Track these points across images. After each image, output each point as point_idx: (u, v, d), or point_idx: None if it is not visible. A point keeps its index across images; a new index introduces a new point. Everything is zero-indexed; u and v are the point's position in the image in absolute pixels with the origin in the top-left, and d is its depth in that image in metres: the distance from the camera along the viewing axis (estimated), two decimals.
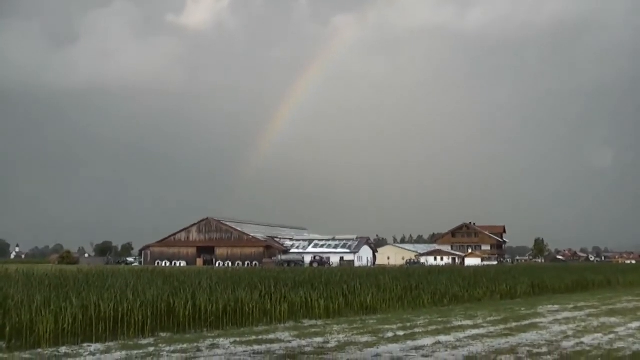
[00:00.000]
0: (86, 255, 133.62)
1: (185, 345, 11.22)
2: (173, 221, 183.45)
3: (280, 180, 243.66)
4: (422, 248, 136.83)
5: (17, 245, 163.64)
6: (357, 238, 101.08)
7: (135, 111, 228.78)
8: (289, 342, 11.77)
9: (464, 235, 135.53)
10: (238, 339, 12.02)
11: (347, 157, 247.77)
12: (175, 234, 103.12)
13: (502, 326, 14.19)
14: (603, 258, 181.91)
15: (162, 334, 13.29)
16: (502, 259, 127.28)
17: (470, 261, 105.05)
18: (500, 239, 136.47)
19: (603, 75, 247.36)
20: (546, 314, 17.16)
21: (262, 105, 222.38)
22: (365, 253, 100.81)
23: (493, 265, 74.76)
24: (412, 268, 46.72)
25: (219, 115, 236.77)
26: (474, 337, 12.31)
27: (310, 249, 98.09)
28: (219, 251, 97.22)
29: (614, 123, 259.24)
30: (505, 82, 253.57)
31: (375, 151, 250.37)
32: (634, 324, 14.64)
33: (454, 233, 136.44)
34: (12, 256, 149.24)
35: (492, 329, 13.74)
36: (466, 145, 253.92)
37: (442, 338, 12.16)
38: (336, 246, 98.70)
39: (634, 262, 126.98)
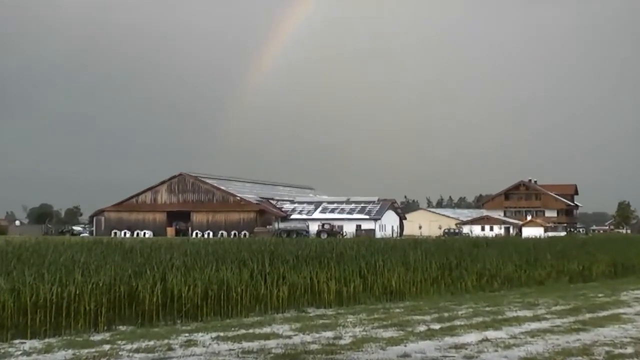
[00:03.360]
0: (17, 222, 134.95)
1: (152, 343, 11.37)
2: (136, 177, 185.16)
3: (278, 125, 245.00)
4: (465, 214, 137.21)
5: None
6: (378, 200, 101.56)
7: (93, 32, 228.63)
8: (289, 337, 11.89)
9: (521, 197, 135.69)
10: (222, 334, 12.17)
11: (365, 94, 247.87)
12: (138, 195, 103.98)
13: (571, 318, 14.27)
14: None
15: (122, 328, 13.47)
16: (572, 229, 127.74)
17: (529, 231, 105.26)
18: (570, 203, 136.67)
19: None
20: (632, 303, 17.25)
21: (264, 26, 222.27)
22: (390, 220, 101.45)
23: (560, 236, 75.01)
24: (452, 240, 46.90)
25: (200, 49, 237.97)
26: (533, 333, 12.38)
27: (317, 214, 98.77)
28: (196, 217, 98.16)
29: None
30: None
31: (401, 86, 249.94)
32: None
33: (507, 194, 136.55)
34: None
35: (558, 321, 13.83)
36: (520, 71, 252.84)
37: (491, 334, 12.24)
38: (351, 211, 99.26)
39: None
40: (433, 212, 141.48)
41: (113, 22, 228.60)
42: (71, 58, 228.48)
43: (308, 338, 11.80)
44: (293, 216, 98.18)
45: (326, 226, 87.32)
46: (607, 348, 11.00)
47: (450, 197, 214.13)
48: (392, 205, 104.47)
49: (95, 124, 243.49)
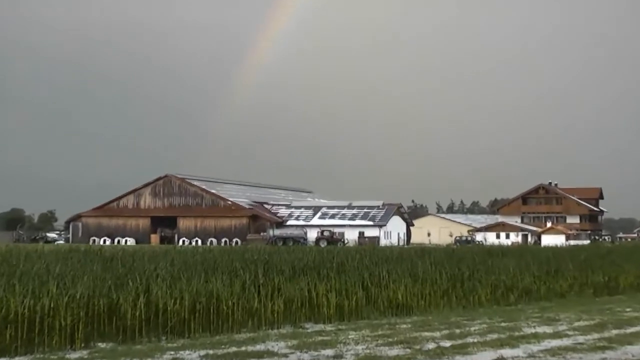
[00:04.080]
0: None
1: None
2: (117, 179, 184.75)
3: (272, 122, 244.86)
4: (479, 220, 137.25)
5: None
6: (383, 205, 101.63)
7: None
8: (285, 355, 11.90)
9: (540, 201, 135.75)
10: (211, 352, 12.17)
11: (368, 90, 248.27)
12: (119, 199, 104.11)
13: (596, 335, 14.28)
14: None
15: (101, 345, 13.48)
16: (597, 237, 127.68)
17: (549, 239, 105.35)
18: (594, 208, 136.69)
19: None
20: None
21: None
22: (396, 226, 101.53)
23: (583, 245, 75.00)
24: (464, 249, 46.97)
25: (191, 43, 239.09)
26: (554, 352, 12.39)
27: (316, 220, 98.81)
28: (183, 223, 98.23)
29: None
30: None
31: (407, 80, 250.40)
32: None
33: (525, 199, 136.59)
34: None
35: (581, 338, 13.83)
36: (540, 66, 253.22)
37: (507, 352, 12.25)
38: (353, 217, 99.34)
39: None
40: (443, 217, 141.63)
41: (97, 15, 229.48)
42: (47, 50, 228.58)
43: (306, 356, 11.82)
44: (289, 222, 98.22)
45: (326, 233, 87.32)
46: None
47: (462, 201, 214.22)
48: (398, 211, 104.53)
49: (71, 120, 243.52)
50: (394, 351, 12.30)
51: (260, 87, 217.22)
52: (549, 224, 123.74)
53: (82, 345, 13.26)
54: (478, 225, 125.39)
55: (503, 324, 15.73)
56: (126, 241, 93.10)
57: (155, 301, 14.90)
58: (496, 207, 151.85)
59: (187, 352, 12.20)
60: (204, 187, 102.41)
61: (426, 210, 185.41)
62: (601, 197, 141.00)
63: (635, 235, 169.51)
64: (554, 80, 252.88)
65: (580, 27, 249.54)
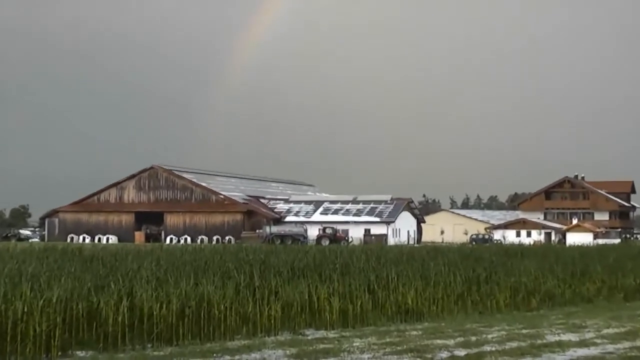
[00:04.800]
0: None
1: None
2: (98, 170, 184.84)
3: (269, 109, 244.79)
4: (497, 216, 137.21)
5: None
6: (392, 200, 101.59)
7: None
8: None
9: (565, 196, 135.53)
10: None
11: (373, 74, 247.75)
12: (100, 192, 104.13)
13: (627, 344, 14.27)
14: None
15: (80, 353, 13.48)
16: (628, 235, 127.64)
17: (575, 238, 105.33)
18: (625, 203, 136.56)
19: None
20: None
21: None
22: (406, 223, 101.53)
23: (613, 244, 74.95)
24: (481, 248, 46.92)
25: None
26: None
27: (317, 216, 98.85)
28: (170, 219, 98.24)
29: None
30: None
31: (416, 63, 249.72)
32: None
33: (548, 193, 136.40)
34: None
35: (610, 347, 13.83)
36: (563, 49, 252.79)
37: None
38: (359, 212, 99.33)
39: None
40: (458, 213, 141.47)
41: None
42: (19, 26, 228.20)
43: None
44: (288, 218, 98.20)
45: (328, 230, 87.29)
46: None
47: (478, 195, 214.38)
48: (408, 206, 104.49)
49: (47, 106, 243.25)
50: None
51: (256, 70, 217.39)
52: (574, 221, 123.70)
53: (59, 353, 13.26)
54: (496, 222, 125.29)
55: (524, 331, 15.74)
56: (108, 239, 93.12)
57: (139, 305, 14.90)
58: (516, 202, 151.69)
59: None
60: (193, 179, 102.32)
61: (439, 205, 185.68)
62: (633, 191, 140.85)
63: None
64: (582, 66, 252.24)
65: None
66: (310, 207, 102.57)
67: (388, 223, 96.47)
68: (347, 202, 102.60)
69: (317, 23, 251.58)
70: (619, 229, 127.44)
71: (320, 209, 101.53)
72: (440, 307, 19.78)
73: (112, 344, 14.11)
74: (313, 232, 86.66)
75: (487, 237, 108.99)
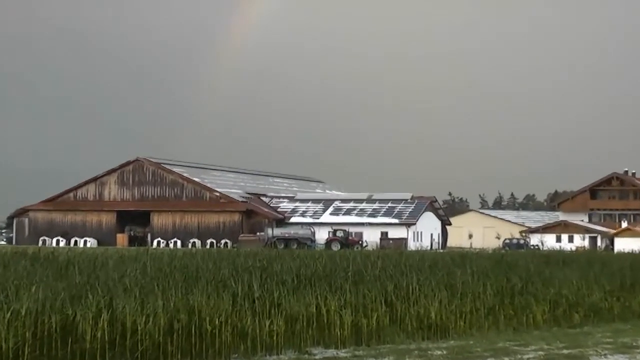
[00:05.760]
0: None
1: None
2: (75, 163, 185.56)
3: (271, 94, 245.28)
4: (534, 218, 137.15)
5: None
6: (412, 198, 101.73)
7: None
8: None
9: (613, 195, 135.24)
10: None
11: (389, 53, 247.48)
12: (77, 188, 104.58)
13: None
14: None
15: None
16: None
17: (624, 243, 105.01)
18: None
19: None
20: None
21: None
22: (428, 226, 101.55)
23: None
24: (515, 254, 46.79)
25: None
26: None
27: (327, 217, 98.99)
28: (158, 220, 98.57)
29: None
30: None
31: (438, 41, 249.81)
32: None
33: (594, 191, 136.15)
34: None
35: None
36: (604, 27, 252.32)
37: None
38: (375, 213, 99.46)
39: None
40: (488, 215, 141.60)
41: None
42: None
43: None
44: (293, 219, 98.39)
45: (339, 233, 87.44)
46: None
47: (512, 194, 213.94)
48: (431, 205, 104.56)
49: (22, 86, 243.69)
50: None
51: (256, 53, 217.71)
52: (624, 224, 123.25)
53: None
54: (533, 225, 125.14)
55: (565, 351, 15.72)
56: (85, 242, 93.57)
57: (121, 319, 14.85)
58: (556, 202, 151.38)
59: None
60: (185, 174, 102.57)
61: (467, 205, 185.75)
62: None
63: None
64: (624, 51, 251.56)
65: None
66: (319, 207, 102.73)
67: (408, 225, 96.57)
68: (361, 201, 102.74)
69: (332, 10, 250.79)
70: None
71: (330, 209, 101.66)
72: (468, 323, 19.72)
73: None
74: (322, 235, 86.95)
75: (522, 242, 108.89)
